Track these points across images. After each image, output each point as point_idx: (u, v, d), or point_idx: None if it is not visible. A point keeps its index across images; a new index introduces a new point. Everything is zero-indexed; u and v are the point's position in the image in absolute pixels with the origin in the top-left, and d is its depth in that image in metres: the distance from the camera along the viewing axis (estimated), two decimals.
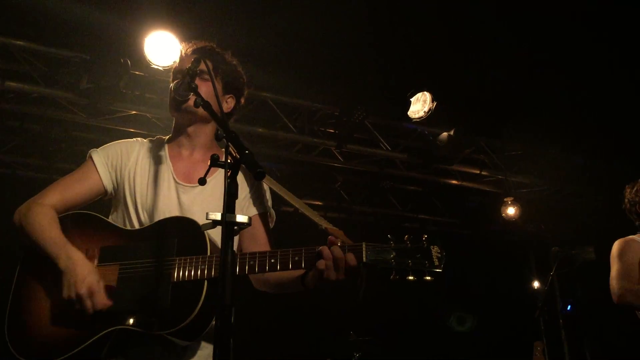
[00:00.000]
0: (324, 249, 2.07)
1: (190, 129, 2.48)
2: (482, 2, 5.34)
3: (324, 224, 2.33)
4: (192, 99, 2.21)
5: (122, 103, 5.83)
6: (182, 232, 2.21)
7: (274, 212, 2.58)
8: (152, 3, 5.15)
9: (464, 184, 7.84)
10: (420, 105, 6.40)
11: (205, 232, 2.14)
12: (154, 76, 5.63)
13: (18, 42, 5.42)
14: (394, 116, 6.76)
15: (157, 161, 2.45)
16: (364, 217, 8.42)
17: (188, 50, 2.51)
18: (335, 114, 6.56)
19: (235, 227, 1.74)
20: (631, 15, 5.34)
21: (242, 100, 2.64)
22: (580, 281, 7.74)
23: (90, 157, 2.46)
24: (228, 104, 2.56)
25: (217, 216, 1.73)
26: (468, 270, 7.86)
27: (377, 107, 6.55)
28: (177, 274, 2.13)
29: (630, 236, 3.94)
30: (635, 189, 4.01)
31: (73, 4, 4.82)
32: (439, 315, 8.45)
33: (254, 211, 2.50)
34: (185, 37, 4.97)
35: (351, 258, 2.06)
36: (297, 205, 2.45)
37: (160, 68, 5.30)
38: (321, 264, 2.07)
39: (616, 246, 3.89)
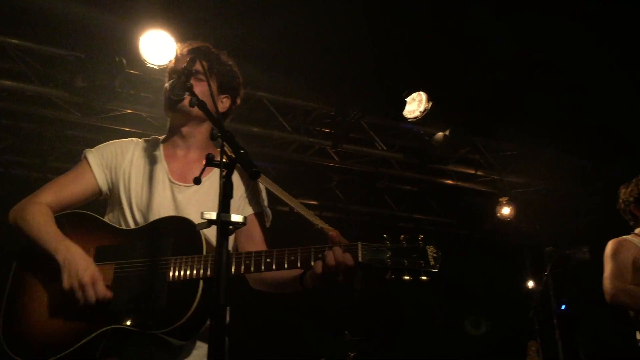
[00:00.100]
0: (329, 254, 2.06)
1: (185, 129, 2.48)
2: (478, 2, 5.35)
3: (320, 223, 2.34)
4: (187, 98, 2.21)
5: (117, 102, 5.81)
6: (177, 231, 2.21)
7: (270, 211, 2.59)
8: (148, 2, 5.14)
9: (459, 183, 7.86)
10: (415, 105, 6.40)
11: (200, 231, 2.14)
12: (149, 75, 5.62)
13: (12, 41, 5.40)
14: (390, 116, 6.77)
15: (152, 161, 2.45)
16: (360, 216, 8.43)
17: (183, 50, 2.51)
18: (331, 113, 6.56)
19: (231, 227, 1.74)
20: (628, 15, 5.36)
21: (238, 101, 2.63)
22: (574, 281, 7.76)
23: (85, 157, 2.46)
24: (223, 103, 2.56)
25: (212, 216, 1.73)
26: (463, 270, 7.88)
27: (373, 106, 6.55)
28: (173, 273, 2.13)
29: (624, 236, 3.96)
30: (629, 189, 4.03)
31: (68, 2, 4.80)
32: (434, 315, 8.45)
33: (249, 210, 2.50)
34: (180, 36, 4.97)
35: (347, 258, 2.06)
36: (292, 205, 2.46)
37: (156, 67, 5.28)
38: (319, 266, 2.07)
39: (610, 246, 3.91)
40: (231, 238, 2.34)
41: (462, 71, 5.96)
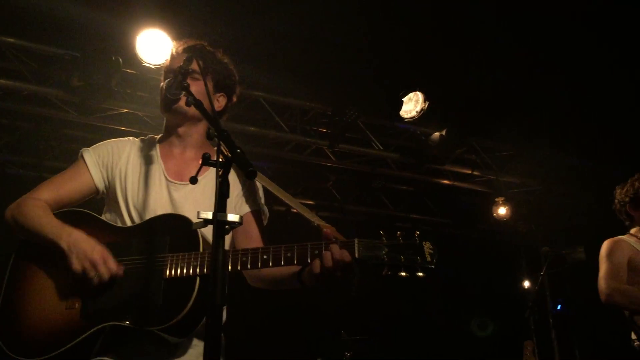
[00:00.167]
0: (326, 254, 2.07)
1: (181, 129, 2.49)
2: (475, 2, 5.36)
3: (317, 220, 2.34)
4: (183, 98, 2.21)
5: (113, 101, 5.80)
6: (174, 229, 2.22)
7: (266, 209, 2.59)
8: (144, 1, 5.13)
9: (456, 183, 7.87)
10: (412, 105, 6.41)
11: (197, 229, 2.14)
12: (146, 74, 5.61)
13: (8, 39, 5.39)
14: (387, 116, 6.77)
15: (148, 160, 2.45)
16: (356, 216, 8.42)
17: (179, 48, 2.52)
18: (328, 113, 6.56)
19: (227, 227, 1.75)
20: (625, 15, 5.37)
21: (234, 98, 2.63)
22: (570, 281, 7.78)
23: (82, 156, 2.46)
24: (219, 102, 2.56)
25: (209, 215, 1.74)
26: (459, 270, 7.89)
27: (370, 106, 6.55)
28: (170, 270, 2.13)
29: (620, 236, 3.97)
30: (625, 189, 4.04)
31: (64, 1, 4.79)
32: (431, 315, 8.46)
33: (246, 209, 2.50)
34: (177, 35, 4.96)
35: (345, 255, 2.06)
36: (289, 203, 2.46)
37: (152, 66, 5.28)
38: (316, 265, 2.07)
39: (605, 246, 3.92)
40: (228, 236, 2.35)
41: (459, 71, 5.97)
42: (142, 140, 2.56)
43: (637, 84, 6.04)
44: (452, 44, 5.66)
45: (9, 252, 2.34)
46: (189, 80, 2.26)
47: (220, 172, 1.78)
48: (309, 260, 2.10)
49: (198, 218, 1.74)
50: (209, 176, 2.42)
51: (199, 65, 2.34)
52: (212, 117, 2.07)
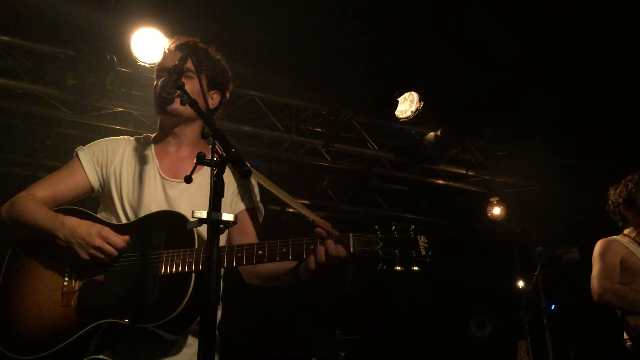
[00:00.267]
0: (320, 249, 2.07)
1: (176, 129, 2.49)
2: (471, 2, 5.37)
3: (312, 216, 2.35)
4: (178, 97, 2.21)
5: (108, 100, 5.78)
6: (169, 225, 2.22)
7: (262, 206, 2.59)
8: (139, 0, 5.12)
9: (451, 183, 7.88)
10: (407, 105, 6.42)
11: None
12: (141, 73, 5.60)
13: (2, 38, 5.35)
14: (382, 116, 6.78)
15: (143, 158, 2.46)
16: (351, 216, 8.43)
17: (171, 46, 2.51)
18: (323, 113, 6.57)
19: (222, 226, 1.75)
20: (620, 15, 5.39)
21: (227, 95, 2.63)
22: (564, 281, 7.81)
23: (77, 155, 2.46)
24: (213, 99, 2.56)
25: (203, 214, 1.74)
26: (454, 270, 7.91)
27: (365, 106, 6.56)
28: (165, 267, 2.14)
29: (613, 236, 3.99)
30: (618, 190, 4.06)
31: None
32: (425, 315, 8.48)
33: (242, 206, 2.50)
34: (172, 34, 4.92)
35: (340, 249, 2.07)
36: (285, 200, 2.47)
37: (147, 65, 5.27)
38: (311, 261, 2.08)
39: (598, 246, 3.94)
40: (224, 234, 2.35)
41: (454, 72, 5.97)
42: (137, 139, 2.56)
43: (633, 84, 6.06)
44: (447, 44, 5.67)
45: (5, 250, 2.34)
46: (183, 79, 2.25)
47: (215, 172, 1.78)
48: (304, 256, 2.10)
49: (192, 217, 1.75)
50: (204, 174, 2.42)
51: (193, 63, 2.33)
52: (206, 117, 2.08)
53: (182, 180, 2.30)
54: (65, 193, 2.41)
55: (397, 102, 6.32)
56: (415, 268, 2.05)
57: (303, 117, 6.73)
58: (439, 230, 8.86)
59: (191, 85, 2.31)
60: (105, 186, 2.44)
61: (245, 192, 2.52)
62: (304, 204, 7.86)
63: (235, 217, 1.77)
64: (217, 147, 1.84)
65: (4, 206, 2.35)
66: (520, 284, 8.77)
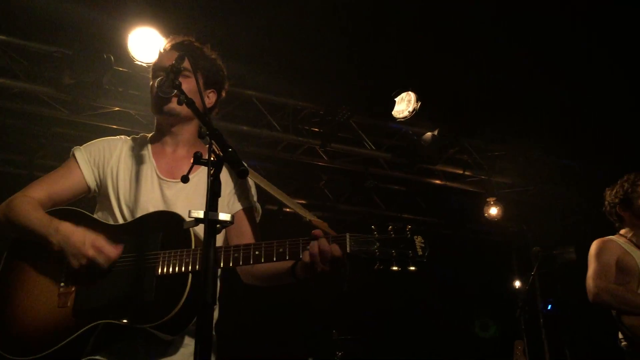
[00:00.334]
0: (313, 244, 2.07)
1: (173, 129, 2.48)
2: (468, 3, 5.37)
3: (309, 216, 2.36)
4: (175, 96, 2.20)
5: (104, 99, 5.77)
6: (166, 226, 2.21)
7: (259, 206, 2.59)
8: None
9: (448, 183, 7.89)
10: (404, 105, 6.42)
11: None
12: (138, 72, 5.59)
13: None
14: (379, 116, 6.78)
15: (140, 158, 2.45)
16: (348, 216, 8.43)
17: (167, 45, 2.51)
18: (320, 112, 6.57)
19: (218, 226, 1.74)
20: (616, 17, 5.40)
21: (223, 94, 2.63)
22: (560, 281, 7.83)
23: (73, 155, 2.46)
24: (209, 99, 2.56)
25: (200, 214, 1.74)
26: (450, 270, 7.91)
27: (362, 106, 6.56)
28: (162, 267, 2.13)
29: (609, 237, 4.00)
30: (614, 191, 4.07)
31: None
32: (422, 315, 8.48)
33: (239, 206, 2.50)
34: (169, 33, 4.92)
35: (335, 249, 2.07)
36: (282, 199, 2.47)
37: (144, 64, 5.26)
38: (306, 256, 2.08)
39: (594, 246, 3.95)
40: (221, 234, 2.34)
41: (451, 72, 5.98)
42: (134, 139, 2.55)
43: (629, 85, 6.08)
44: (444, 45, 5.67)
45: (2, 250, 2.33)
46: (180, 78, 2.25)
47: (211, 171, 1.78)
48: (301, 256, 2.10)
49: (189, 217, 1.74)
50: (201, 173, 2.42)
51: (190, 63, 2.33)
52: (203, 116, 2.07)
53: (179, 180, 2.30)
54: (62, 193, 2.40)
55: (394, 102, 6.33)
56: (412, 268, 2.05)
57: (300, 117, 6.73)
58: (435, 230, 8.87)
59: (188, 85, 2.31)
60: (102, 186, 2.43)
61: (242, 192, 2.52)
62: (301, 204, 7.87)
63: (232, 217, 1.77)
64: (214, 146, 1.83)
65: (0, 206, 2.34)
66: (517, 284, 8.79)
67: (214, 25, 4.92)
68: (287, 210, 7.33)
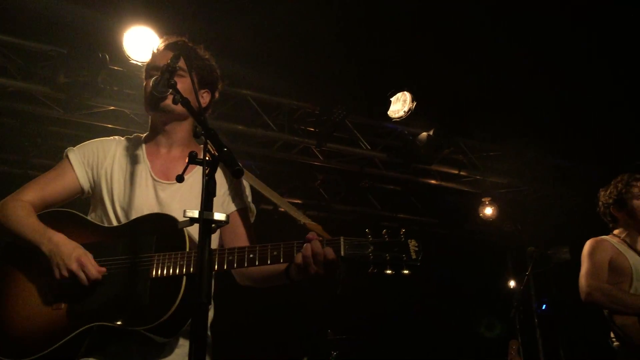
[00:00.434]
0: (306, 246, 2.08)
1: (167, 127, 2.47)
2: (463, 3, 5.38)
3: (303, 219, 2.36)
4: (170, 96, 2.20)
5: (100, 98, 5.76)
6: (160, 228, 2.21)
7: (254, 206, 2.59)
8: None
9: (443, 183, 7.90)
10: (400, 105, 6.43)
11: (184, 228, 2.13)
12: (133, 71, 5.57)
13: None
14: (374, 116, 6.79)
15: (134, 159, 2.44)
16: (344, 215, 8.44)
17: (160, 45, 2.50)
18: (316, 112, 6.57)
19: (213, 225, 1.74)
20: (613, 17, 5.42)
21: (217, 94, 2.63)
22: (555, 281, 7.85)
23: (67, 156, 2.45)
24: (204, 98, 2.55)
25: (195, 214, 1.73)
26: (445, 270, 7.92)
27: (358, 106, 6.56)
28: (156, 270, 2.13)
29: (602, 236, 4.02)
30: (608, 191, 4.09)
31: None
32: (416, 314, 8.49)
33: (233, 207, 2.50)
34: (164, 33, 4.93)
35: (329, 252, 2.07)
36: (276, 201, 2.47)
37: (140, 63, 5.24)
38: (299, 258, 2.09)
39: (588, 245, 3.96)
40: (215, 235, 2.34)
41: (447, 72, 5.99)
42: (128, 140, 2.54)
43: (625, 85, 6.10)
44: (441, 45, 5.68)
45: None
46: (175, 78, 2.25)
47: (207, 171, 1.78)
48: (294, 259, 2.11)
49: (184, 217, 1.74)
50: (196, 175, 2.41)
51: (187, 63, 2.33)
52: (199, 115, 2.07)
53: (174, 181, 2.30)
54: (55, 195, 2.39)
55: (389, 102, 6.33)
56: (406, 272, 2.06)
57: (296, 117, 6.73)
58: (430, 230, 8.88)
59: (183, 84, 2.30)
60: (95, 188, 2.42)
61: (236, 192, 2.52)
62: (297, 204, 7.89)
63: (227, 216, 1.77)
64: (209, 146, 1.83)
65: None
66: (512, 283, 8.80)
67: (210, 25, 4.92)
68: (283, 209, 7.32)
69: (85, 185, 2.42)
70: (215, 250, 2.17)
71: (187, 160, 1.84)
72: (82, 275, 2.11)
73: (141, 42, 5.14)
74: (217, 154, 1.81)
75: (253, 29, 5.32)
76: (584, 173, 7.63)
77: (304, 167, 7.50)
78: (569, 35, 5.64)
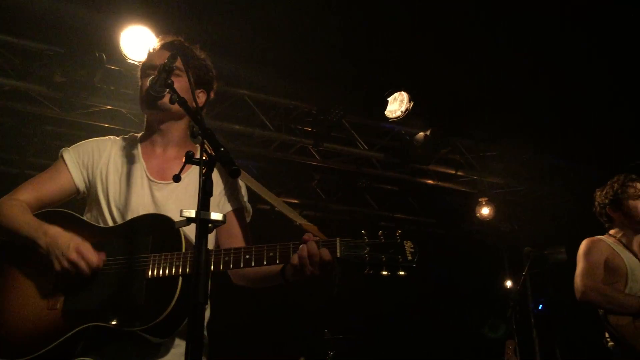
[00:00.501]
0: (302, 247, 2.08)
1: (163, 126, 2.47)
2: (461, 3, 5.39)
3: (299, 220, 2.35)
4: (167, 95, 2.20)
5: (96, 98, 5.75)
6: (156, 229, 2.21)
7: (250, 206, 2.59)
8: None
9: (440, 183, 7.91)
10: (397, 105, 6.43)
11: (180, 228, 2.13)
12: (129, 71, 5.57)
13: None
14: (371, 116, 6.79)
15: (129, 159, 2.44)
16: (341, 215, 8.44)
17: (157, 45, 2.50)
18: (313, 112, 6.57)
19: (210, 225, 1.74)
20: (610, 18, 5.42)
21: (212, 94, 2.63)
22: (551, 281, 7.86)
23: (62, 156, 2.44)
24: (199, 98, 2.55)
25: (192, 214, 1.73)
26: (442, 270, 7.93)
27: (355, 106, 6.57)
28: (152, 270, 2.12)
29: (598, 236, 4.03)
30: (604, 191, 4.10)
31: None
32: (413, 314, 8.50)
33: (229, 207, 2.50)
34: (161, 32, 4.91)
35: (325, 253, 2.08)
36: (272, 202, 2.46)
37: (136, 63, 5.22)
38: (295, 259, 2.09)
39: (583, 245, 3.97)
40: (212, 235, 2.34)
41: (444, 72, 5.99)
42: (124, 139, 2.54)
43: (623, 85, 6.11)
44: (438, 45, 5.68)
45: None
46: (172, 78, 2.25)
47: (203, 171, 1.77)
48: (290, 259, 2.11)
49: (181, 216, 1.74)
50: (192, 175, 2.41)
51: (184, 62, 2.32)
52: (195, 115, 2.07)
53: (170, 181, 2.30)
54: (50, 195, 2.39)
55: (387, 102, 6.34)
56: (402, 273, 2.07)
57: (293, 116, 6.73)
58: (427, 229, 8.89)
59: (179, 84, 2.30)
60: (91, 188, 2.42)
61: (232, 192, 2.52)
62: (294, 203, 7.89)
63: (224, 216, 1.77)
64: (206, 145, 1.83)
65: None
66: (509, 283, 8.82)
67: (207, 24, 4.91)
68: (278, 209, 7.31)
69: (81, 185, 2.42)
70: (211, 251, 2.17)
71: (183, 160, 1.84)
72: (82, 264, 2.11)
73: (138, 42, 5.14)
74: (214, 153, 1.81)
75: (250, 28, 5.32)
76: (580, 173, 7.65)
77: (301, 166, 7.50)
78: (565, 34, 5.65)
